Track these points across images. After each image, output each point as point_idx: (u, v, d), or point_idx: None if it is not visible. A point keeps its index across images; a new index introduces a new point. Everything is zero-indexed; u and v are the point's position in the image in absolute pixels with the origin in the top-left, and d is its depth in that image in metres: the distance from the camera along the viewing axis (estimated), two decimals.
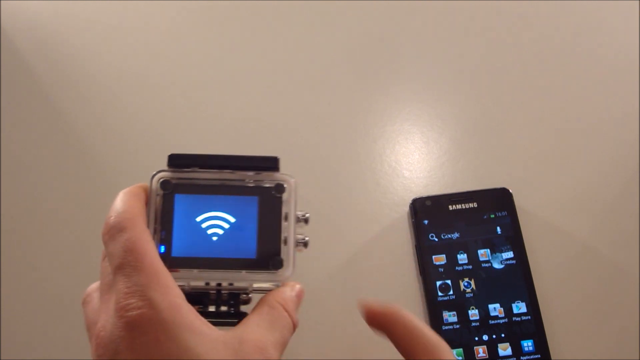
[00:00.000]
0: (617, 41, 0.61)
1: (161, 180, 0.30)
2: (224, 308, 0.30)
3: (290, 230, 0.30)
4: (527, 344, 0.46)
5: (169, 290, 0.25)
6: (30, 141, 0.57)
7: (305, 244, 0.31)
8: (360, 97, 0.59)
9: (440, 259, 0.49)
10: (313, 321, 0.48)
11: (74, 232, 0.53)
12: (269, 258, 0.30)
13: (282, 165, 0.57)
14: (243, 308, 0.32)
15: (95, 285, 0.29)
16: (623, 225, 0.52)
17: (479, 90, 0.59)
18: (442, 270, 0.48)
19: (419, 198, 0.51)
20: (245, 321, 0.28)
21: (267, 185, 0.31)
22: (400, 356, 0.30)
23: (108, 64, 0.61)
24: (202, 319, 0.27)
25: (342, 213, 0.53)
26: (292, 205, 0.31)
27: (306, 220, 0.31)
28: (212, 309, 0.30)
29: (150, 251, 0.26)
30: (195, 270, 0.29)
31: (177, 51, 0.62)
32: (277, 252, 0.30)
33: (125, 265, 0.25)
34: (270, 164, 0.31)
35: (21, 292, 0.50)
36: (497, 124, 0.57)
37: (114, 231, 0.27)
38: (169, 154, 0.31)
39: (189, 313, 0.26)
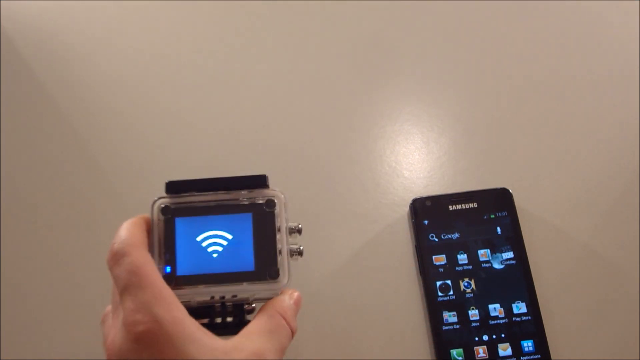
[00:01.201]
0: (618, 41, 0.61)
1: (161, 206, 0.33)
2: (229, 319, 0.33)
3: (283, 241, 0.33)
4: (527, 344, 0.46)
5: (172, 306, 0.28)
6: (30, 141, 0.57)
7: (300, 253, 0.33)
8: (360, 97, 0.59)
9: (440, 259, 0.49)
10: (313, 321, 0.48)
11: (74, 232, 0.53)
12: (266, 269, 0.32)
13: (282, 166, 0.57)
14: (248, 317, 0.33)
15: (110, 307, 0.32)
16: (623, 225, 0.52)
17: (479, 90, 0.59)
18: (442, 270, 0.48)
19: (419, 198, 0.51)
20: (245, 331, 0.30)
21: (259, 201, 0.33)
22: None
23: (108, 64, 0.61)
24: (204, 330, 0.29)
25: (342, 213, 0.53)
26: (283, 219, 0.33)
27: (299, 231, 0.34)
28: (218, 320, 0.32)
29: (152, 272, 0.29)
30: (200, 287, 0.32)
31: (178, 51, 0.62)
32: (274, 263, 0.32)
33: (130, 286, 0.28)
34: (260, 181, 0.33)
35: (21, 292, 0.50)
36: (497, 124, 0.57)
37: (118, 257, 0.29)
38: (166, 181, 0.33)
39: (191, 326, 0.28)
